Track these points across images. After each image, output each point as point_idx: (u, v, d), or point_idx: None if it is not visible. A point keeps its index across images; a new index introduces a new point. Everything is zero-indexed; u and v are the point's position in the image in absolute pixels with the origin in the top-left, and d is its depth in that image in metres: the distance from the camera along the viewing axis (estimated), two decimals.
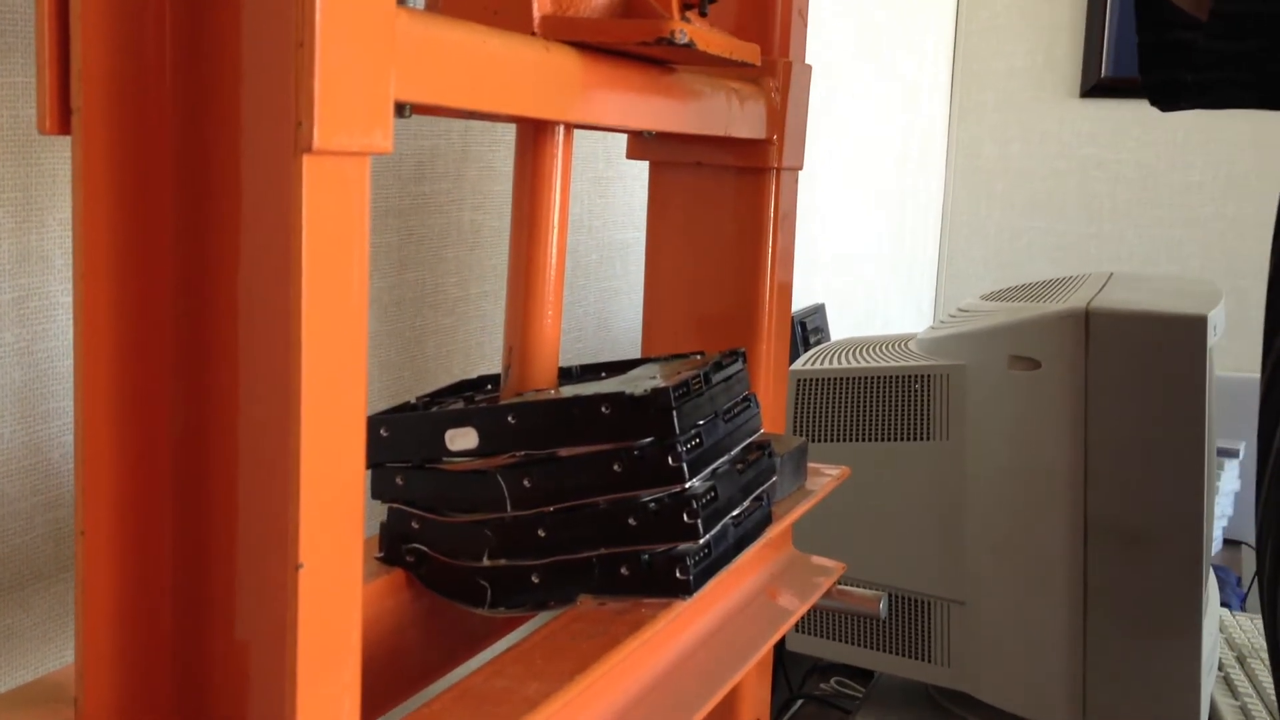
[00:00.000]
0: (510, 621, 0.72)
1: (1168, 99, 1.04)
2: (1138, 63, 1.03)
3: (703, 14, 0.62)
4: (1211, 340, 1.18)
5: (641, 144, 0.87)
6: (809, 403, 1.35)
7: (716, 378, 0.64)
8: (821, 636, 1.39)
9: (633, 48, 0.60)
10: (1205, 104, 1.03)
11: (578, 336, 1.28)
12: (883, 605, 0.88)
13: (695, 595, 0.61)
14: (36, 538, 0.74)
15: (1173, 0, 0.97)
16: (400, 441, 0.64)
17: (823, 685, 1.62)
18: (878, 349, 1.40)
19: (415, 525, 0.64)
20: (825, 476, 0.87)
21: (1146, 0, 1.00)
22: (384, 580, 0.64)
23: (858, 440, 1.32)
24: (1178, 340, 1.15)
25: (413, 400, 0.68)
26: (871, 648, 1.36)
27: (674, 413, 0.59)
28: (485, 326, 1.13)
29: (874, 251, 2.38)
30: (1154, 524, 1.18)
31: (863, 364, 1.34)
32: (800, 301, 1.93)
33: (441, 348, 1.09)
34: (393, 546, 0.65)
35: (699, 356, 0.70)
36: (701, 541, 0.61)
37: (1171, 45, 1.00)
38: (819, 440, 1.34)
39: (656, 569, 0.61)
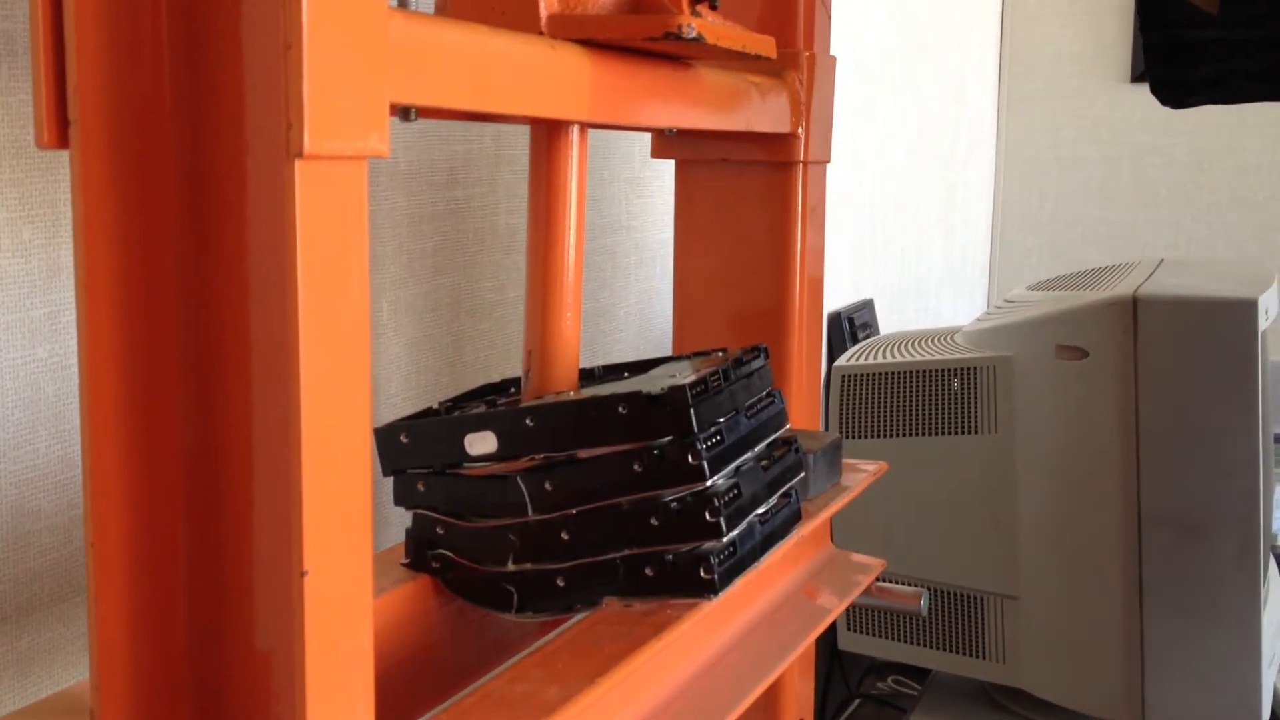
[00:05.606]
0: (545, 625, 0.72)
1: (1178, 97, 1.04)
2: (1145, 61, 1.03)
3: (713, 7, 0.61)
4: (1263, 324, 1.15)
5: (665, 142, 0.87)
6: (854, 398, 1.33)
7: (737, 374, 0.63)
8: (876, 635, 1.37)
9: (640, 43, 0.59)
10: (1216, 98, 1.03)
11: (619, 338, 1.28)
12: (924, 602, 0.86)
13: (721, 595, 0.61)
14: (74, 551, 0.75)
15: None
16: (421, 447, 0.63)
17: (880, 685, 1.60)
18: (923, 343, 1.38)
19: (440, 531, 0.64)
20: (862, 472, 0.85)
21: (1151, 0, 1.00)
22: (410, 586, 0.64)
23: (905, 435, 1.31)
24: (1228, 325, 1.13)
25: (435, 405, 0.68)
26: (926, 646, 1.34)
27: (691, 410, 0.58)
28: (523, 330, 1.13)
29: (924, 245, 2.36)
30: (1209, 514, 1.16)
31: (908, 358, 1.32)
32: (848, 297, 1.91)
33: (479, 352, 1.09)
34: (418, 552, 0.65)
35: (721, 354, 0.69)
36: (725, 540, 0.60)
37: (1177, 43, 1.00)
38: (865, 436, 1.33)
39: (681, 569, 0.60)
